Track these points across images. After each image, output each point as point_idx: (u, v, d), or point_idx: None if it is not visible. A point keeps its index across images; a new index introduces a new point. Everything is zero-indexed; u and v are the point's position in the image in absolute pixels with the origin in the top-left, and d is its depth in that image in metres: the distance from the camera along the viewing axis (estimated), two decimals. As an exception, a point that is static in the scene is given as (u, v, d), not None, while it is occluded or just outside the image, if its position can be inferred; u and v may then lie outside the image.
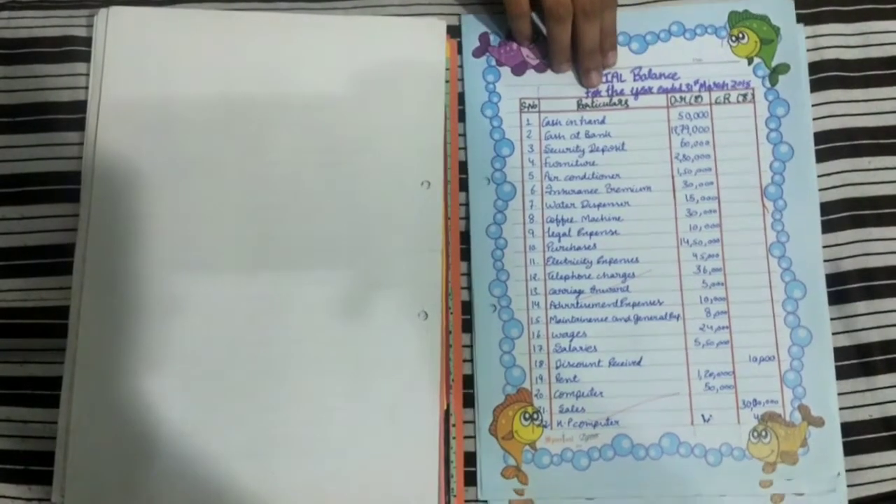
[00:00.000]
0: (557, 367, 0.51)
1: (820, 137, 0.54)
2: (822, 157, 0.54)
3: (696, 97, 0.55)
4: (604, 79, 0.55)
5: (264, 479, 0.49)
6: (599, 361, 0.52)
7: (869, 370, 0.51)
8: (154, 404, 0.50)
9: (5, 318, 0.52)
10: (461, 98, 0.55)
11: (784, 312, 0.52)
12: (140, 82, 0.54)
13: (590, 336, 0.52)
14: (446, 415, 0.51)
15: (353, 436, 0.50)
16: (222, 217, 0.52)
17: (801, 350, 0.51)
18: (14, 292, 0.52)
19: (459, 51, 0.56)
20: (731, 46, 0.55)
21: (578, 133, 0.55)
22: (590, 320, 0.52)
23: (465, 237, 0.53)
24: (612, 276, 0.53)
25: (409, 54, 0.55)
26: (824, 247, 0.52)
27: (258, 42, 0.54)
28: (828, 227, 0.53)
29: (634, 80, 0.55)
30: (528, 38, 0.55)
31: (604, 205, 0.54)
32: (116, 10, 0.55)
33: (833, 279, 0.52)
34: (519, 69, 0.56)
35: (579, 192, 0.54)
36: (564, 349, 0.52)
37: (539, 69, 0.56)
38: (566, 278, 0.53)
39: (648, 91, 0.55)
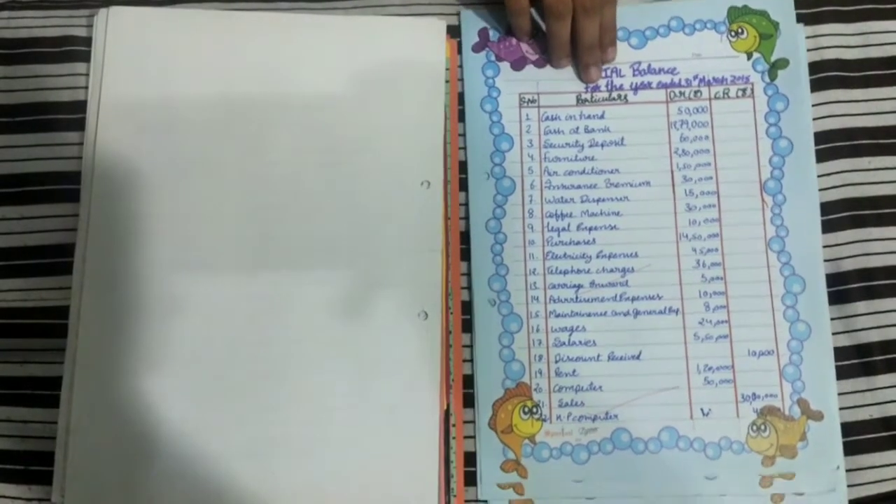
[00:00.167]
0: (557, 362, 0.52)
1: (820, 137, 0.54)
2: (822, 156, 0.54)
3: (696, 92, 0.55)
4: (603, 74, 0.55)
5: (264, 479, 0.49)
6: (599, 356, 0.52)
7: (869, 370, 0.51)
8: (154, 404, 0.50)
9: (5, 318, 0.52)
10: (461, 98, 0.55)
11: (783, 307, 0.52)
12: (140, 82, 0.54)
13: (589, 330, 0.52)
14: (446, 415, 0.51)
15: (353, 436, 0.50)
16: (222, 217, 0.52)
17: (801, 344, 0.51)
18: (14, 292, 0.52)
19: (459, 50, 0.56)
20: (730, 41, 0.55)
21: (578, 128, 0.55)
22: (589, 314, 0.52)
23: (465, 237, 0.53)
24: (612, 270, 0.53)
25: (409, 54, 0.55)
26: (824, 247, 0.52)
27: (258, 42, 0.54)
28: (828, 226, 0.53)
29: (634, 75, 0.55)
30: (528, 34, 0.55)
31: (603, 199, 0.54)
32: (116, 10, 0.55)
33: (833, 279, 0.52)
34: (518, 64, 0.56)
35: (578, 186, 0.54)
36: (564, 343, 0.52)
37: (538, 64, 0.56)
38: (565, 273, 0.53)
39: (648, 86, 0.55)
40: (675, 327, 0.52)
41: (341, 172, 0.53)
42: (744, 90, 0.55)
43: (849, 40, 0.55)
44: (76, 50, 0.55)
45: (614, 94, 0.55)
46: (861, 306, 0.52)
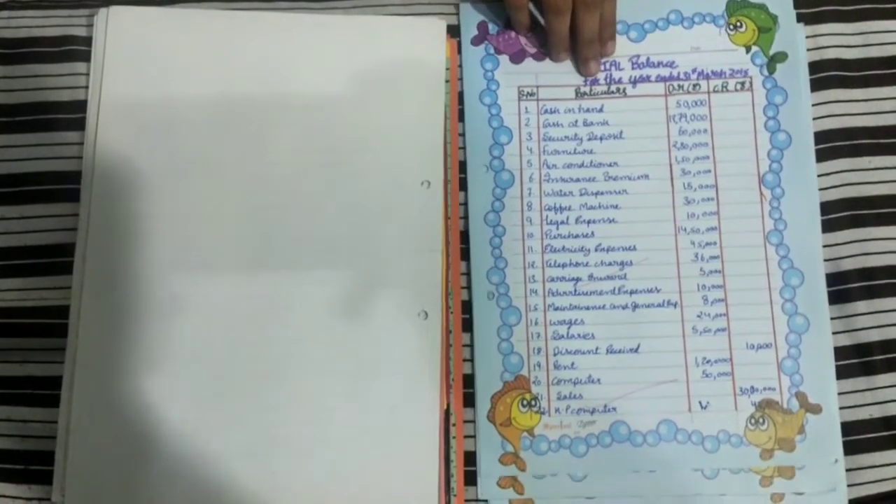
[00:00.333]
0: (555, 355, 0.52)
1: (820, 137, 0.54)
2: (821, 156, 0.54)
3: (694, 85, 0.55)
4: (602, 67, 0.55)
5: (264, 479, 0.49)
6: (597, 349, 0.52)
7: (869, 370, 0.51)
8: (154, 404, 0.50)
9: (5, 317, 0.52)
10: (460, 96, 0.55)
11: (782, 300, 0.52)
12: (140, 82, 0.54)
13: (588, 323, 0.52)
14: (446, 414, 0.51)
15: (353, 436, 0.50)
16: (222, 217, 0.52)
17: (799, 337, 0.51)
18: (14, 292, 0.52)
19: (459, 49, 0.56)
20: (729, 35, 0.56)
21: (577, 121, 0.55)
22: (588, 308, 0.52)
23: (465, 236, 0.53)
24: (610, 263, 0.53)
25: (409, 54, 0.55)
26: (824, 246, 0.53)
27: (258, 42, 0.54)
28: (827, 226, 0.53)
29: (632, 68, 0.55)
30: (527, 27, 0.56)
31: (602, 193, 0.54)
32: (116, 10, 0.55)
33: (833, 279, 0.52)
34: (517, 57, 0.56)
35: (577, 180, 0.54)
36: (562, 336, 0.52)
37: (537, 57, 0.56)
38: (564, 266, 0.53)
39: (646, 79, 0.55)
40: (674, 320, 0.52)
41: (341, 172, 0.53)
42: (742, 83, 0.55)
43: (849, 40, 0.55)
44: (76, 49, 0.55)
45: (613, 88, 0.55)
46: (861, 306, 0.52)
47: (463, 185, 0.54)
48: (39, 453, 0.50)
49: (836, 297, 0.52)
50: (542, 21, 0.55)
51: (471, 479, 0.50)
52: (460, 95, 0.55)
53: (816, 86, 0.55)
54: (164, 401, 0.50)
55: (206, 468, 0.49)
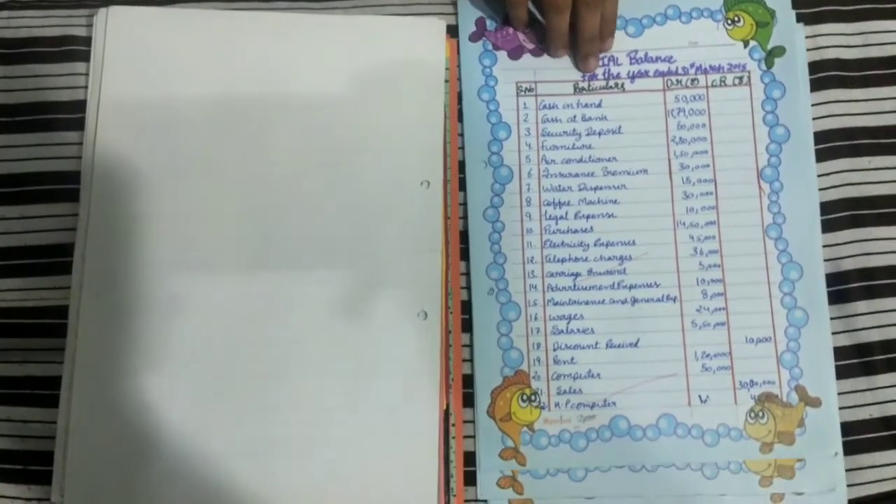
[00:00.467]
0: (555, 350, 0.52)
1: (820, 137, 0.54)
2: (821, 156, 0.54)
3: (693, 80, 0.55)
4: (600, 62, 0.55)
5: (264, 479, 0.49)
6: (597, 343, 0.52)
7: (869, 370, 0.51)
8: (154, 404, 0.50)
9: (4, 317, 0.52)
10: (459, 97, 0.55)
11: (781, 294, 0.52)
12: (140, 82, 0.54)
13: (587, 318, 0.52)
14: (446, 414, 0.51)
15: (353, 436, 0.50)
16: (222, 217, 0.52)
17: (798, 331, 0.51)
18: (13, 292, 0.52)
19: (458, 51, 0.56)
20: (726, 30, 0.56)
21: (575, 116, 0.55)
22: (587, 303, 0.52)
23: (465, 236, 0.53)
24: (609, 258, 0.53)
25: (409, 54, 0.55)
26: (824, 246, 0.53)
27: (258, 42, 0.54)
28: (827, 226, 0.53)
29: (631, 63, 0.55)
30: (526, 24, 0.56)
31: (601, 188, 0.54)
32: (116, 10, 0.55)
33: (833, 279, 0.52)
34: (515, 53, 0.56)
35: (576, 175, 0.54)
36: (562, 331, 0.52)
37: (535, 53, 0.56)
38: (563, 261, 0.53)
39: (645, 74, 0.55)
40: (673, 315, 0.52)
41: (341, 172, 0.53)
42: (740, 78, 0.55)
43: (849, 40, 0.55)
44: (76, 49, 0.55)
45: (611, 83, 0.55)
46: (861, 306, 0.52)
47: (462, 185, 0.54)
48: (39, 453, 0.50)
49: (836, 297, 0.52)
50: (540, 18, 0.55)
51: (470, 479, 0.50)
52: (459, 95, 0.55)
53: (816, 86, 0.55)
54: (164, 401, 0.50)
55: (206, 468, 0.49)
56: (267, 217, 0.52)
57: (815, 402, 0.50)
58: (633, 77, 0.55)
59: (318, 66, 0.54)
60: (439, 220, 0.53)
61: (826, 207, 0.53)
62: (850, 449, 0.50)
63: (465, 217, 0.54)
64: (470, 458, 0.51)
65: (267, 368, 0.50)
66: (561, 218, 0.53)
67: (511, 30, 0.56)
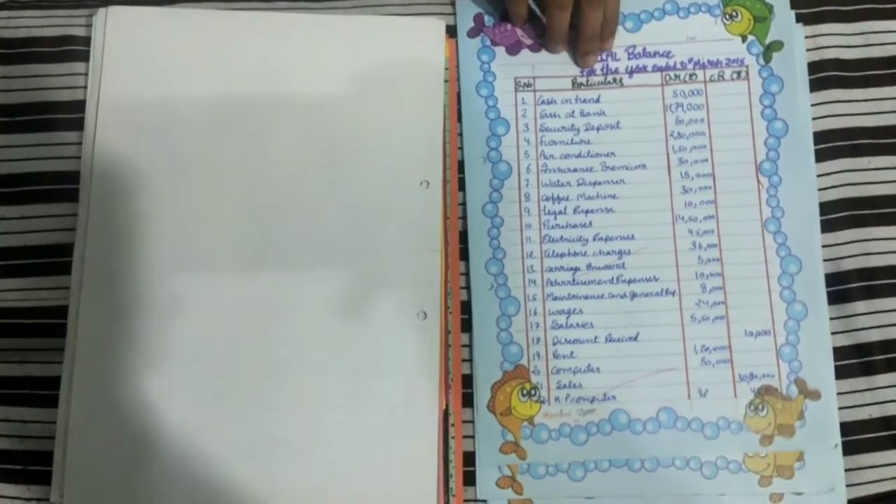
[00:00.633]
0: (555, 344, 0.52)
1: (819, 137, 0.54)
2: (821, 156, 0.54)
3: (691, 75, 0.55)
4: (599, 58, 0.55)
5: (264, 479, 0.49)
6: (596, 338, 0.52)
7: (869, 370, 0.51)
8: (154, 404, 0.50)
9: (4, 317, 0.52)
10: (459, 97, 0.55)
11: (780, 287, 0.52)
12: (139, 82, 0.54)
13: (586, 313, 0.52)
14: (445, 414, 0.51)
15: (353, 436, 0.50)
16: (222, 217, 0.52)
17: (797, 324, 0.51)
18: (13, 292, 0.52)
19: (457, 50, 0.56)
20: (724, 24, 0.56)
21: (573, 112, 0.55)
22: (586, 297, 0.52)
23: (464, 236, 0.53)
24: (608, 253, 0.53)
25: (409, 54, 0.55)
26: (824, 246, 0.53)
27: (258, 42, 0.54)
28: (827, 226, 0.53)
29: (629, 58, 0.56)
30: (525, 20, 0.56)
31: (599, 183, 0.54)
32: (115, 10, 0.55)
33: (833, 279, 0.52)
34: (513, 49, 0.56)
35: (575, 170, 0.54)
36: (561, 326, 0.52)
37: (533, 49, 0.56)
38: (562, 256, 0.53)
39: (643, 69, 0.55)
40: (672, 309, 0.52)
41: (341, 172, 0.53)
42: (739, 73, 0.55)
43: (848, 40, 0.55)
44: (75, 49, 0.55)
45: (610, 78, 0.55)
46: (861, 306, 0.52)
47: (462, 186, 0.54)
48: (38, 453, 0.50)
49: (835, 297, 0.52)
50: (540, 14, 0.56)
51: (470, 479, 0.50)
52: (459, 95, 0.55)
53: (816, 86, 0.55)
54: (164, 401, 0.50)
55: (206, 468, 0.49)
56: (267, 217, 0.52)
57: (815, 395, 0.51)
58: (631, 72, 0.55)
59: (317, 66, 0.54)
60: (439, 219, 0.53)
61: (826, 207, 0.53)
62: (849, 449, 0.50)
63: (464, 217, 0.54)
64: (469, 458, 0.51)
65: (267, 368, 0.50)
66: (560, 213, 0.53)
67: (509, 25, 0.56)
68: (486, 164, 0.54)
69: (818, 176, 0.53)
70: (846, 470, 0.50)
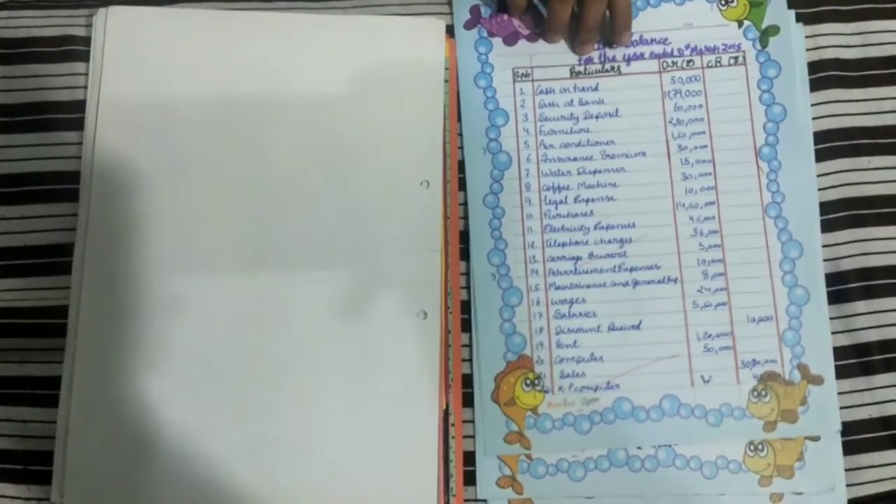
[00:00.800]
0: (557, 333, 0.52)
1: (819, 137, 0.54)
2: (820, 156, 0.54)
3: (688, 61, 0.55)
4: (596, 46, 0.56)
5: (264, 479, 0.49)
6: (599, 326, 0.52)
7: (868, 370, 0.51)
8: (154, 404, 0.50)
9: (4, 317, 0.52)
10: (457, 91, 0.55)
11: (781, 272, 0.52)
12: (139, 82, 0.54)
13: (589, 302, 0.52)
14: (445, 414, 0.51)
15: (353, 436, 0.50)
16: (222, 217, 0.52)
17: (799, 309, 0.51)
18: (13, 292, 0.52)
19: (452, 34, 0.56)
20: (720, 10, 0.56)
21: (572, 101, 0.55)
22: (588, 286, 0.52)
23: (465, 236, 0.53)
24: (610, 241, 0.53)
25: (409, 54, 0.55)
26: (823, 246, 0.53)
27: (258, 42, 0.54)
28: (826, 226, 0.53)
29: (626, 46, 0.56)
30: (523, 10, 0.56)
31: (599, 171, 0.54)
32: (115, 10, 0.55)
33: (832, 279, 0.52)
34: (510, 39, 0.56)
35: (574, 159, 0.54)
36: (564, 315, 0.52)
37: (531, 39, 0.56)
38: (564, 245, 0.53)
39: (640, 57, 0.55)
40: (674, 296, 0.52)
41: (341, 172, 0.53)
42: (736, 58, 0.55)
43: (848, 40, 0.55)
44: (75, 49, 0.55)
45: (607, 66, 0.55)
46: (860, 306, 0.52)
47: (462, 185, 0.54)
48: (38, 453, 0.50)
49: (835, 297, 0.52)
50: (538, 4, 0.56)
51: (470, 478, 0.50)
52: (458, 87, 0.55)
53: (816, 85, 0.55)
54: (164, 401, 0.50)
55: (206, 468, 0.49)
56: (267, 217, 0.52)
57: (818, 380, 0.51)
58: (628, 60, 0.55)
59: (317, 66, 0.54)
60: (439, 219, 0.53)
61: (825, 207, 0.53)
62: (849, 449, 0.50)
63: (464, 217, 0.54)
64: (469, 458, 0.51)
65: (267, 368, 0.50)
66: (560, 202, 0.54)
67: (506, 16, 0.56)
68: (486, 155, 0.54)
69: (818, 176, 0.53)
70: (846, 470, 0.50)
